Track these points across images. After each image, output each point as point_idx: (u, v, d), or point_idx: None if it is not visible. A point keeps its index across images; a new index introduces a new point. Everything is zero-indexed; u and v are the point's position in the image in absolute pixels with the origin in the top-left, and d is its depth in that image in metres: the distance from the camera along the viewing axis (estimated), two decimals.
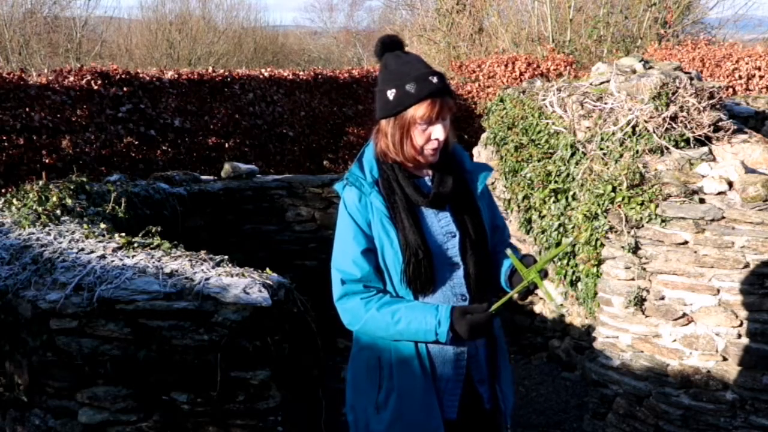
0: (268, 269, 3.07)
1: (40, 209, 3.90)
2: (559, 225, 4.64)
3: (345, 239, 2.05)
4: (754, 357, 3.39)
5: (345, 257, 2.04)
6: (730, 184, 3.56)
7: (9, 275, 3.07)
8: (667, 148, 3.87)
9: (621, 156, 4.02)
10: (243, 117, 8.89)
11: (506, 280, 2.13)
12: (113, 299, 2.81)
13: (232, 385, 2.84)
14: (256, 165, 7.05)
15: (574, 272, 4.45)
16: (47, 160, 6.96)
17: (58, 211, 3.94)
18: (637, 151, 3.94)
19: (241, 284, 2.85)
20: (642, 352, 3.71)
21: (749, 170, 3.62)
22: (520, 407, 4.38)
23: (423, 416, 2.04)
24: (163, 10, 22.81)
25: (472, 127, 9.94)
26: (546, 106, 5.00)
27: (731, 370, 3.45)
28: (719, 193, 3.55)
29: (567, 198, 4.60)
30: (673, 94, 4.00)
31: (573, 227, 4.37)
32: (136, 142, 7.87)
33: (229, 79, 8.83)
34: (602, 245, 3.94)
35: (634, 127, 4.04)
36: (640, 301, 3.66)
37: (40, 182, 4.40)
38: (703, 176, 3.67)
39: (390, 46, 2.08)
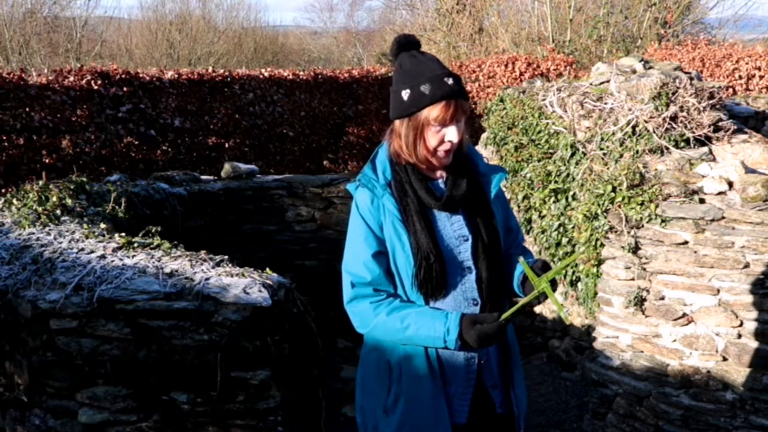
0: (268, 269, 3.07)
1: (40, 209, 3.90)
2: (559, 225, 4.64)
3: (356, 241, 2.02)
4: (755, 357, 3.39)
5: (356, 260, 2.01)
6: (730, 184, 3.56)
7: (9, 275, 3.07)
8: (667, 148, 3.87)
9: (621, 156, 4.02)
10: (243, 117, 8.89)
11: (519, 284, 2.09)
12: (113, 299, 2.81)
13: (232, 385, 2.84)
14: (256, 165, 7.06)
15: (574, 272, 4.45)
16: (47, 160, 6.96)
17: (58, 211, 3.94)
18: (637, 151, 3.94)
19: (241, 284, 2.85)
20: (642, 352, 3.71)
21: (749, 170, 3.62)
22: None
23: (431, 421, 2.02)
24: (163, 10, 22.87)
25: (472, 127, 9.94)
26: (546, 106, 5.00)
27: (731, 370, 3.44)
28: (719, 193, 3.55)
29: (567, 198, 4.60)
30: (673, 94, 4.00)
31: (573, 227, 4.37)
32: (136, 142, 7.86)
33: (229, 79, 8.83)
34: (602, 245, 3.94)
35: (634, 127, 4.04)
36: (640, 301, 3.66)
37: (40, 182, 4.39)
38: (703, 176, 3.67)
39: (406, 45, 2.04)
